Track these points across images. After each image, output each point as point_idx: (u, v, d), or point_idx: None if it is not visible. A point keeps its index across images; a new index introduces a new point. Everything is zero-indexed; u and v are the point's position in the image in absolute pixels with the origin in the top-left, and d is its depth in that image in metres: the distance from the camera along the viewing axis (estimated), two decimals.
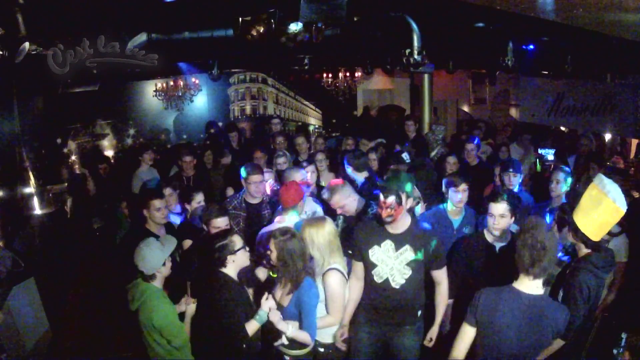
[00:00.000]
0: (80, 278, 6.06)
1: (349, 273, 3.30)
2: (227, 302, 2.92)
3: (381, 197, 3.05)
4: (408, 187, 3.10)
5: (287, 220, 3.66)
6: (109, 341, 4.83)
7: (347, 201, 3.90)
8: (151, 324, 3.03)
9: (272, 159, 5.45)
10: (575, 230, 2.86)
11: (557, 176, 4.25)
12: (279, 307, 3.05)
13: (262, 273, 3.52)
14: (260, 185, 4.32)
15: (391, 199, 3.02)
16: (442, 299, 3.35)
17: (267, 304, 2.97)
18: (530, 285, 2.54)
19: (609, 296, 3.53)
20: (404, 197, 3.06)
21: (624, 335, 3.13)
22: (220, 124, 9.31)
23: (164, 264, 3.11)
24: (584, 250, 2.92)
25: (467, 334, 2.69)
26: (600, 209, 2.75)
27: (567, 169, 4.45)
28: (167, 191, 4.55)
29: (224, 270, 3.02)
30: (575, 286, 2.83)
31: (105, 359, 4.66)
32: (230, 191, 5.30)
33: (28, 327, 4.56)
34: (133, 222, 4.81)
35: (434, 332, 3.37)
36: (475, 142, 5.81)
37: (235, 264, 3.03)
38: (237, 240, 3.06)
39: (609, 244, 3.31)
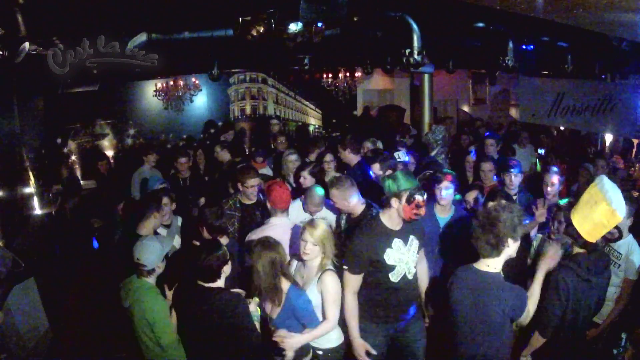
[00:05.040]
0: (80, 278, 6.06)
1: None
2: (236, 312, 2.85)
3: (419, 198, 3.05)
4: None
5: (278, 224, 3.69)
6: (109, 341, 4.83)
7: (342, 204, 3.75)
8: (144, 320, 3.09)
9: (273, 160, 5.46)
10: (568, 226, 2.87)
11: (551, 178, 4.27)
12: (270, 318, 3.05)
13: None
14: (258, 188, 4.37)
15: (425, 195, 3.12)
16: (425, 278, 3.58)
17: (252, 306, 3.00)
18: (482, 264, 2.65)
19: (614, 310, 3.51)
20: None
21: (623, 335, 3.14)
22: (220, 123, 9.33)
23: (162, 261, 3.20)
24: (575, 249, 2.92)
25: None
26: (596, 210, 2.74)
27: (557, 169, 4.45)
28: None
29: (216, 284, 2.92)
30: (553, 282, 2.84)
31: (105, 359, 4.66)
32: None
33: (28, 327, 4.55)
34: (126, 225, 4.77)
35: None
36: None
37: (225, 274, 2.97)
38: (227, 251, 3.03)
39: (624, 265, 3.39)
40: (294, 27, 4.38)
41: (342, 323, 3.18)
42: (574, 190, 5.32)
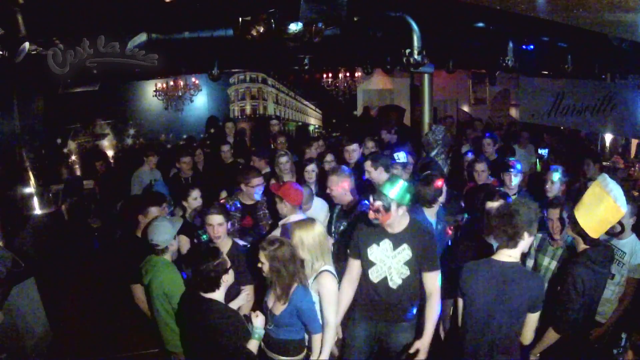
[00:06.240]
0: (80, 278, 6.06)
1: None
2: (226, 330, 2.79)
3: (371, 198, 3.06)
4: (399, 195, 2.99)
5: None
6: (109, 341, 4.83)
7: (337, 190, 3.91)
8: (162, 292, 3.31)
9: (272, 159, 5.45)
10: (574, 225, 2.93)
11: (552, 176, 4.29)
12: (271, 314, 3.05)
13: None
14: (260, 188, 4.40)
15: (378, 203, 3.00)
16: (432, 313, 3.09)
17: (259, 320, 2.95)
18: (503, 254, 2.74)
19: (617, 310, 3.52)
20: (393, 205, 2.98)
21: (623, 335, 3.15)
22: (220, 124, 9.33)
23: (174, 239, 3.48)
24: (582, 246, 2.99)
25: (460, 305, 2.90)
26: (601, 207, 2.84)
27: (559, 168, 4.46)
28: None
29: (214, 294, 2.86)
30: (570, 280, 2.92)
31: (105, 359, 4.66)
32: (224, 194, 4.95)
33: (28, 327, 4.55)
34: (124, 227, 4.78)
35: (422, 344, 3.04)
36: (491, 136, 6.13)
37: (226, 283, 2.93)
38: (227, 258, 3.00)
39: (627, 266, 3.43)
40: (294, 27, 4.37)
41: None
42: (574, 189, 5.33)
